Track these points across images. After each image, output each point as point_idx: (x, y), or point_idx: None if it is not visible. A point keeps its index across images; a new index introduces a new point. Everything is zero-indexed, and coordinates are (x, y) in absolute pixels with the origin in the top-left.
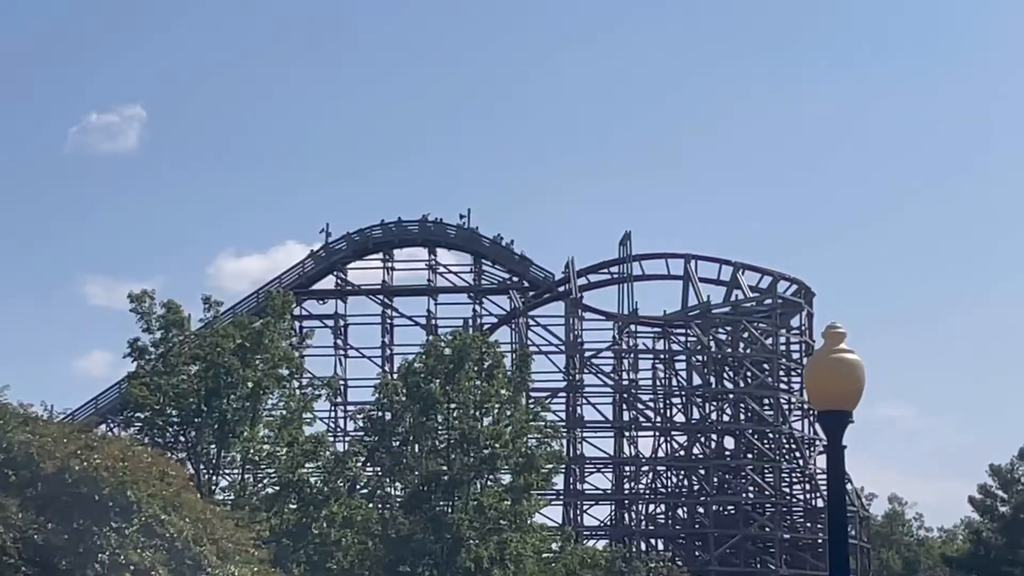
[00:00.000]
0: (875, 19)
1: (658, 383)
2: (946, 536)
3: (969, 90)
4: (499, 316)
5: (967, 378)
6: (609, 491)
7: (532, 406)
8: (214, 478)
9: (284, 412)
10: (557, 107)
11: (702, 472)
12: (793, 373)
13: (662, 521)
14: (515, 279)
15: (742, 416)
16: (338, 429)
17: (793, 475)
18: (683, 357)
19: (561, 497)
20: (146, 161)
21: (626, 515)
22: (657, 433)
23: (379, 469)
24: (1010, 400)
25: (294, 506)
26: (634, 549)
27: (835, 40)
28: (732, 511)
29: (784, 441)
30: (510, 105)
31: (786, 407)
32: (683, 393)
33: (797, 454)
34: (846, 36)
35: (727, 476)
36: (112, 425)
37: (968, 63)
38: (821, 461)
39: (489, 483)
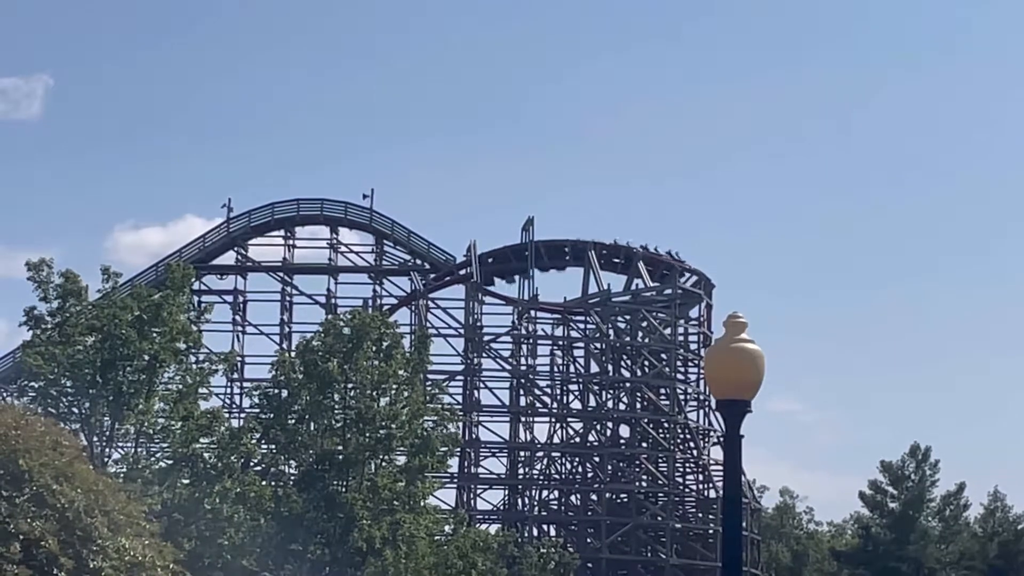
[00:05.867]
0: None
1: (556, 369)
2: (835, 530)
3: (854, 83)
4: (399, 297)
5: (861, 375)
6: (503, 476)
7: (429, 388)
8: (107, 450)
9: (180, 386)
10: (466, 90)
11: (596, 459)
12: (690, 364)
13: (555, 507)
14: (417, 261)
15: (638, 405)
16: (234, 405)
17: (687, 465)
18: (581, 344)
19: (455, 480)
20: (49, 129)
21: (519, 500)
22: (553, 419)
23: (274, 446)
24: (902, 397)
25: (187, 481)
26: (526, 534)
27: (737, 27)
28: (625, 499)
29: (679, 431)
30: (416, 87)
31: (682, 397)
32: (580, 380)
33: (691, 444)
34: (741, 26)
35: (621, 464)
36: (5, 394)
37: (840, 58)
38: (715, 452)
39: (384, 463)
